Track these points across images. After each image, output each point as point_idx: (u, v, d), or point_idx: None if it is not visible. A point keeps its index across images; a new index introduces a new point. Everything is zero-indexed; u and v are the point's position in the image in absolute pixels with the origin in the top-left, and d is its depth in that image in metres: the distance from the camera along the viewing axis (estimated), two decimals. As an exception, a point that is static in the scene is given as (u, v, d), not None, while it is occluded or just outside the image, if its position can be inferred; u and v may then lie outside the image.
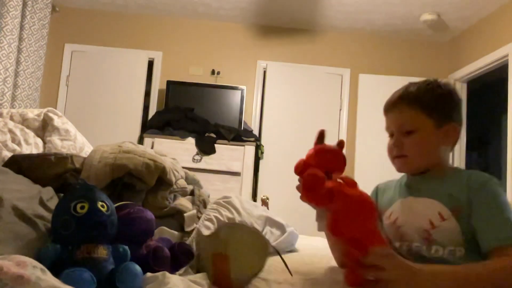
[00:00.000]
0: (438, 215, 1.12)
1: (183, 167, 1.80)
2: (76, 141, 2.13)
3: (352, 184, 1.02)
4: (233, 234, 1.09)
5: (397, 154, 1.23)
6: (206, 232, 1.22)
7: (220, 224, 1.36)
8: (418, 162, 1.22)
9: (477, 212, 1.08)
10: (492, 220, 1.06)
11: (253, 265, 1.07)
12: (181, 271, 1.09)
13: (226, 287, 1.04)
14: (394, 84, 5.49)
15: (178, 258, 1.08)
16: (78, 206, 0.91)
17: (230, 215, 1.45)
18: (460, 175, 1.18)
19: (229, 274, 1.03)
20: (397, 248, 1.20)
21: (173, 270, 1.04)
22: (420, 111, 1.20)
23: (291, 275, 1.09)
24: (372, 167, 4.39)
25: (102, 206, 0.94)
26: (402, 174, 1.32)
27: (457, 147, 4.67)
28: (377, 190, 1.39)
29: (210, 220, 1.40)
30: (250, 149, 4.21)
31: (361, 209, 0.99)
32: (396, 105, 1.26)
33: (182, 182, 1.66)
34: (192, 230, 1.37)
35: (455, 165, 4.63)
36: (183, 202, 1.52)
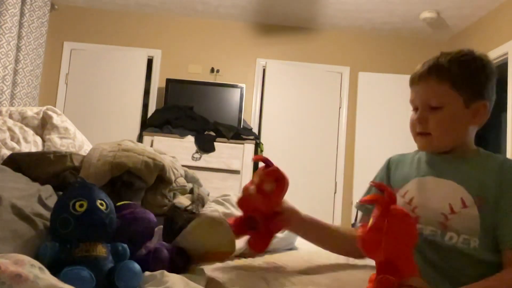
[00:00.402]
0: (460, 200, 1.04)
1: (183, 165, 1.80)
2: (75, 139, 2.13)
3: (394, 199, 0.93)
4: (197, 227, 1.14)
5: (420, 131, 1.13)
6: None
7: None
8: (443, 141, 1.12)
9: (505, 207, 1.01)
10: None
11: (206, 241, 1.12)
12: None
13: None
14: (393, 82, 5.47)
15: (176, 261, 1.08)
16: (77, 204, 0.91)
17: (226, 211, 1.45)
18: (492, 160, 1.09)
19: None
20: None
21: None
22: (449, 86, 1.09)
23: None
24: (372, 165, 4.37)
25: (101, 204, 0.94)
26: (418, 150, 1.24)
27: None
28: (388, 164, 1.29)
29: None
30: (249, 147, 4.21)
31: (406, 233, 0.91)
32: (424, 78, 1.13)
33: (181, 180, 1.65)
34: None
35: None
36: (182, 200, 1.52)
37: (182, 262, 1.10)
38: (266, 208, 1.12)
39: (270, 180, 1.11)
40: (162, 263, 1.02)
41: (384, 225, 0.88)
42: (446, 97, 1.09)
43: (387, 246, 0.87)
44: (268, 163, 1.17)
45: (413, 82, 1.17)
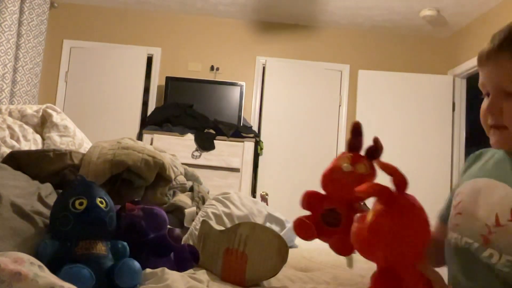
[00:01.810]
0: (510, 211, 0.81)
1: (182, 163, 1.80)
2: (75, 137, 2.12)
3: (404, 184, 0.73)
4: (254, 233, 1.08)
5: (493, 123, 0.87)
6: (217, 227, 1.22)
7: (239, 222, 1.35)
8: None
9: None
10: None
11: (269, 268, 1.05)
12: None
13: (237, 284, 1.04)
14: (393, 80, 5.48)
15: (186, 259, 1.09)
16: (77, 202, 0.91)
17: (227, 210, 1.45)
18: None
19: (245, 272, 1.03)
20: (449, 239, 0.94)
21: (181, 270, 1.05)
22: None
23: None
24: (372, 163, 4.39)
25: (101, 202, 0.94)
26: None
27: (456, 143, 4.67)
28: (473, 157, 1.04)
29: (207, 216, 1.40)
30: (249, 145, 4.21)
31: (415, 233, 0.71)
32: (494, 55, 0.86)
33: (181, 178, 1.65)
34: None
35: (454, 162, 4.63)
36: (183, 198, 1.52)
37: (194, 262, 1.12)
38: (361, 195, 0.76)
39: (364, 162, 0.90)
40: (176, 241, 1.09)
41: (387, 221, 0.70)
42: None
43: (389, 249, 0.70)
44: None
45: (481, 62, 0.90)
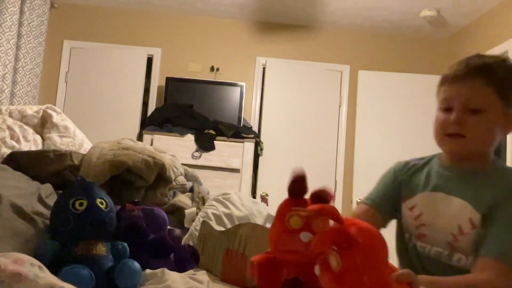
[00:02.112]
0: (469, 221, 1.01)
1: (182, 164, 1.80)
2: (75, 138, 2.12)
3: (343, 224, 0.66)
4: (254, 234, 1.07)
5: (455, 133, 1.04)
6: (217, 228, 1.22)
7: (239, 222, 1.35)
8: (476, 146, 1.05)
9: (498, 218, 0.99)
10: (500, 231, 0.97)
11: None
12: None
13: (237, 285, 1.04)
14: (393, 80, 5.46)
15: (186, 260, 1.09)
16: (77, 203, 0.91)
17: (227, 211, 1.44)
18: (505, 176, 1.06)
19: (245, 272, 1.03)
20: (416, 247, 1.12)
21: (180, 271, 1.05)
22: (494, 89, 1.02)
23: None
24: (371, 164, 4.39)
25: (101, 203, 0.94)
26: (429, 155, 1.19)
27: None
28: (406, 167, 1.20)
29: (207, 216, 1.40)
30: (249, 146, 4.21)
31: (384, 256, 0.66)
32: (469, 77, 1.04)
33: (181, 179, 1.65)
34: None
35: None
36: (183, 199, 1.52)
37: (194, 263, 1.12)
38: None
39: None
40: (176, 242, 1.10)
41: (356, 260, 0.62)
42: (489, 100, 1.03)
43: (372, 281, 0.62)
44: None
45: (454, 80, 1.07)
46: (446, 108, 1.07)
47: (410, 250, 1.14)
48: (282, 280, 0.72)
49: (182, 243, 1.20)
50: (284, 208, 0.74)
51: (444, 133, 1.07)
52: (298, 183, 0.75)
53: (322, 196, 0.72)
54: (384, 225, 1.17)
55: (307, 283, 0.71)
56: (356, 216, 1.07)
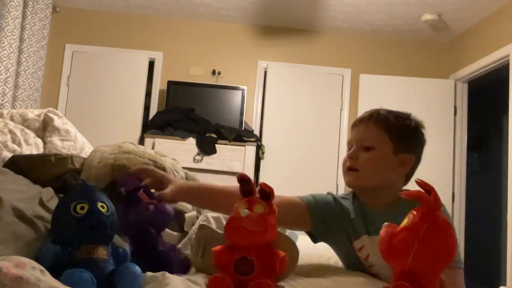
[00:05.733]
0: None
1: (184, 168, 1.80)
2: (77, 142, 2.13)
3: (439, 205, 0.80)
4: None
5: (350, 166, 1.22)
6: (219, 231, 1.21)
7: None
8: (368, 179, 1.21)
9: None
10: None
11: None
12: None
13: None
14: (395, 84, 5.46)
15: (178, 266, 1.09)
16: (78, 206, 0.91)
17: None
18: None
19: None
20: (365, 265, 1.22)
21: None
22: (384, 131, 1.21)
23: None
24: (373, 167, 4.38)
25: (102, 206, 0.94)
26: (351, 192, 1.31)
27: (457, 148, 4.67)
28: (339, 205, 1.29)
29: (207, 220, 1.40)
30: (251, 149, 4.21)
31: (444, 248, 0.77)
32: (364, 121, 1.26)
33: (182, 183, 1.65)
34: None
35: (456, 166, 4.63)
36: (183, 203, 1.52)
37: (186, 269, 1.11)
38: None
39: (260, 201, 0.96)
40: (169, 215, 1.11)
41: (422, 230, 0.75)
42: (379, 140, 1.21)
43: (418, 256, 0.75)
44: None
45: (354, 125, 1.28)
46: (349, 148, 1.26)
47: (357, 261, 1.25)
48: (233, 260, 0.89)
49: (181, 247, 1.20)
50: (236, 203, 0.95)
51: (345, 168, 1.24)
52: (245, 186, 0.96)
53: (263, 189, 0.96)
54: (308, 229, 1.29)
55: (253, 260, 0.88)
56: (280, 197, 1.14)
